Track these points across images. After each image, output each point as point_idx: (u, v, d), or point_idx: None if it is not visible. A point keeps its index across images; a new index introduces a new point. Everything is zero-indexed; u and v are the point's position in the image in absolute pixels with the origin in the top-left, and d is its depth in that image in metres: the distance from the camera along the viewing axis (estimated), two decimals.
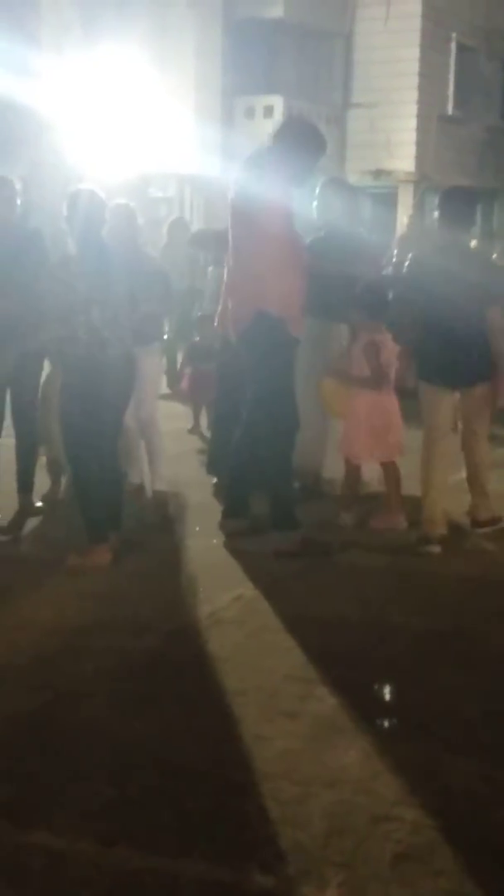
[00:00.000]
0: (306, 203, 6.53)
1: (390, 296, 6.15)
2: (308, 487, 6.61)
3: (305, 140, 5.63)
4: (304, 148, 5.59)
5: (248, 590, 5.09)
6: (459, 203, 5.95)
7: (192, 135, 16.34)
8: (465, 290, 5.57)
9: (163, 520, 6.29)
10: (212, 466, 6.96)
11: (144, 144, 15.48)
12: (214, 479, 6.85)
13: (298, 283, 5.61)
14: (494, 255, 11.52)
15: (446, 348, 5.68)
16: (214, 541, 5.82)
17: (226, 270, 6.07)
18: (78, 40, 16.96)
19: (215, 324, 6.94)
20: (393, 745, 3.58)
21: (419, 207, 19.46)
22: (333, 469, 6.61)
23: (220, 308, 6.67)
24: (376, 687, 4.05)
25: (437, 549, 5.69)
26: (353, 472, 6.33)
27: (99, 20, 17.16)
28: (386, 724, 3.77)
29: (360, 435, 6.13)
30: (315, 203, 6.70)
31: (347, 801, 3.21)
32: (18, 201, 5.93)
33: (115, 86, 15.87)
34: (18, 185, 5.95)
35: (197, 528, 6.09)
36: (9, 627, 4.61)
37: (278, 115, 19.02)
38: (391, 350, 6.07)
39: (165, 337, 11.66)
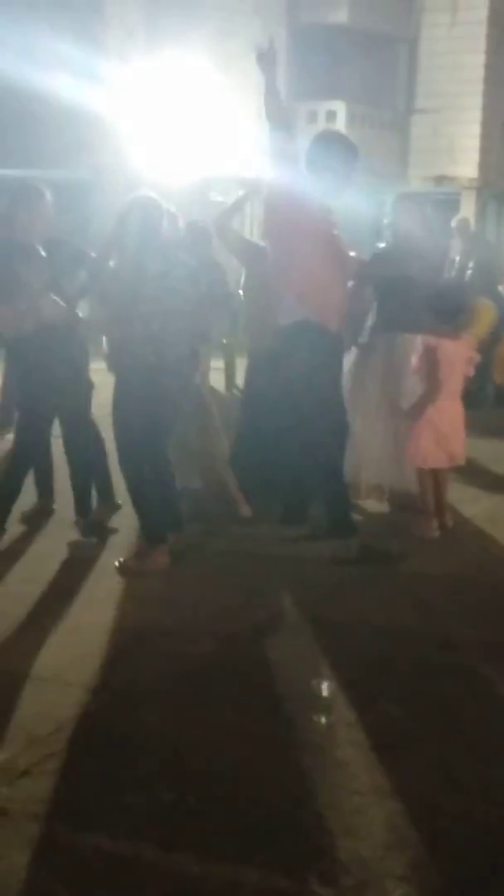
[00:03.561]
0: (372, 210, 6.52)
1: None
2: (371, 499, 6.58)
3: (338, 151, 5.59)
4: (337, 159, 5.55)
5: (306, 596, 5.05)
6: None
7: (255, 139, 16.35)
8: None
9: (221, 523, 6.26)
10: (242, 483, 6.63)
11: (207, 149, 15.52)
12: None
13: (339, 287, 5.59)
14: None
15: None
16: (273, 547, 5.79)
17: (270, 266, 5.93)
18: (142, 45, 17.07)
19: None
20: (456, 758, 3.52)
21: (481, 213, 19.33)
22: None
23: (243, 315, 6.67)
24: (438, 698, 3.99)
25: None
26: (427, 481, 6.15)
27: (163, 25, 17.26)
28: (448, 736, 3.71)
29: (425, 440, 6.05)
30: (387, 218, 6.67)
31: (409, 813, 3.17)
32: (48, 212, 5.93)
33: (179, 90, 15.93)
34: (49, 196, 5.95)
35: (254, 534, 6.06)
36: (68, 629, 4.62)
37: (341, 120, 19.00)
38: (455, 356, 5.99)
39: (224, 341, 11.70)
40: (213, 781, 3.34)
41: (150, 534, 5.49)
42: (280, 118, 5.49)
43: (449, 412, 6.06)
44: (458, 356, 6.00)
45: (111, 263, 5.55)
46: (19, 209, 5.80)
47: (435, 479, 6.13)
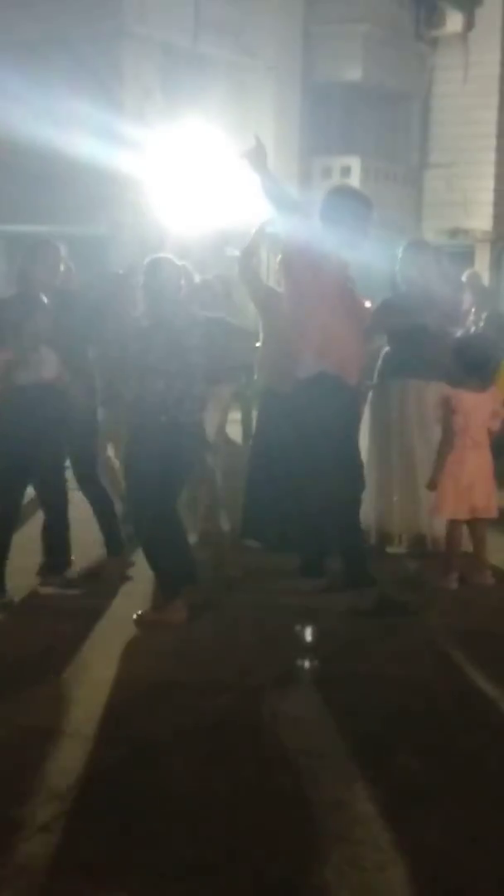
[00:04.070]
0: (386, 263, 6.56)
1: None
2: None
3: (352, 205, 5.67)
4: (351, 213, 5.62)
5: (323, 649, 5.01)
6: None
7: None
8: None
9: (238, 576, 6.23)
10: (246, 530, 6.74)
11: (223, 203, 15.67)
12: (252, 542, 6.71)
13: (356, 340, 5.63)
14: None
15: None
16: (290, 599, 5.76)
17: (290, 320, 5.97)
18: (159, 104, 17.31)
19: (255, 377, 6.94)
20: (477, 814, 3.48)
21: (496, 266, 19.44)
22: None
23: (259, 361, 6.70)
24: (458, 752, 3.95)
25: None
26: (454, 532, 6.11)
27: (180, 84, 17.52)
28: (469, 790, 3.66)
29: (444, 491, 6.01)
30: (398, 266, 6.70)
31: (430, 870, 3.13)
32: (62, 266, 5.98)
33: (195, 147, 16.11)
34: (63, 251, 6.01)
35: (272, 587, 6.03)
36: (85, 683, 4.60)
37: (356, 174, 19.20)
38: (474, 408, 5.98)
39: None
40: (231, 837, 3.31)
41: (166, 587, 5.48)
42: (287, 202, 5.62)
43: (470, 463, 5.98)
44: (479, 408, 5.98)
45: (137, 321, 5.58)
46: (36, 265, 5.86)
47: (472, 531, 6.09)
